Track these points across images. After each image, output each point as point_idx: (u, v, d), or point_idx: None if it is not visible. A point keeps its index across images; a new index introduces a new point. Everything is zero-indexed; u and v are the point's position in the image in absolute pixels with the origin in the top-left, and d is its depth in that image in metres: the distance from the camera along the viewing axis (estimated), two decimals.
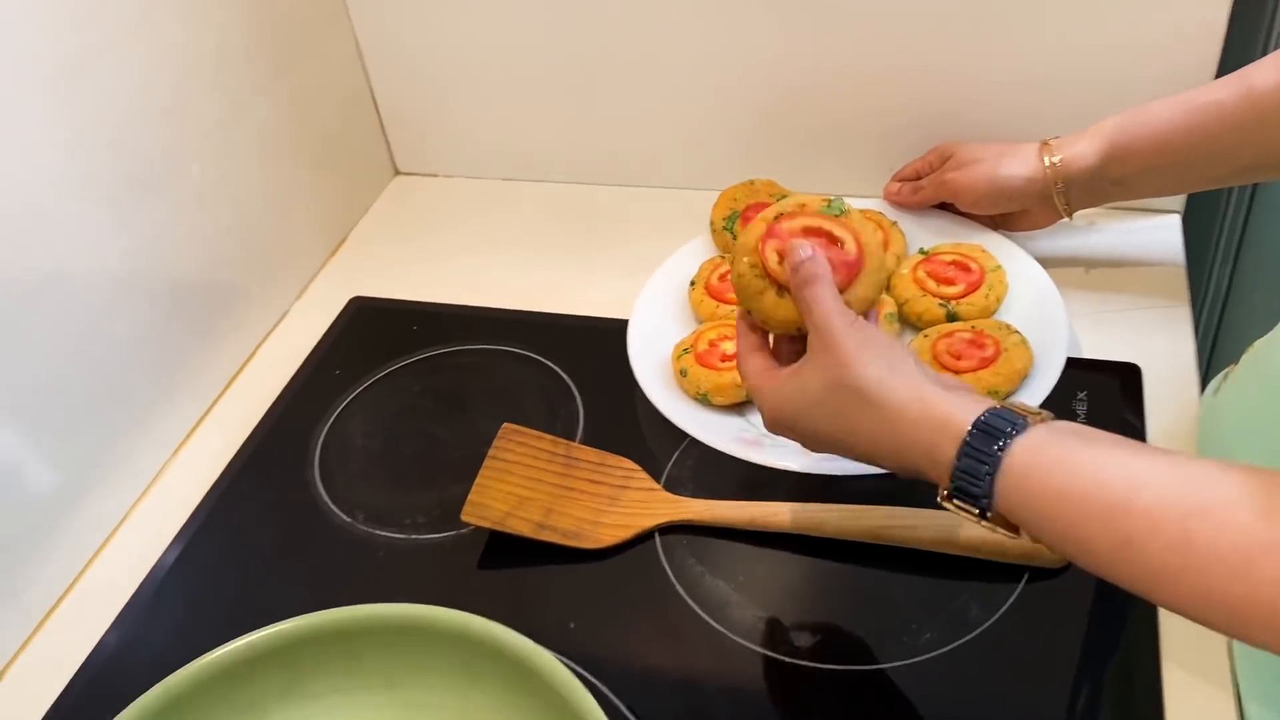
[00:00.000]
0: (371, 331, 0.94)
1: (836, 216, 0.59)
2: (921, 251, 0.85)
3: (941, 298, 0.81)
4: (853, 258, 0.58)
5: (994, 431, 0.49)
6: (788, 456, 0.71)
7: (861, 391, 0.53)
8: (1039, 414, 0.50)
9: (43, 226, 0.70)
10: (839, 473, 0.69)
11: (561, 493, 0.74)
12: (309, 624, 0.60)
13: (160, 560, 0.75)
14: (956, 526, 0.66)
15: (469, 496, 0.73)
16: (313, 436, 0.83)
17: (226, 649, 0.58)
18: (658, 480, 0.75)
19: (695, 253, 0.90)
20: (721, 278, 0.85)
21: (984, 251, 0.84)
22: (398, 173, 1.14)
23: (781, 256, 0.58)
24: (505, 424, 0.77)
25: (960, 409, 0.50)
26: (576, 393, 0.84)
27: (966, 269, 0.82)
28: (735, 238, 0.88)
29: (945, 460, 0.50)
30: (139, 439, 0.81)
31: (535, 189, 1.08)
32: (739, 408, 0.78)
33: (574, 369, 0.86)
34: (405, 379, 0.88)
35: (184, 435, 0.85)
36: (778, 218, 0.59)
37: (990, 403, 0.51)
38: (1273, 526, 0.40)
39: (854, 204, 0.88)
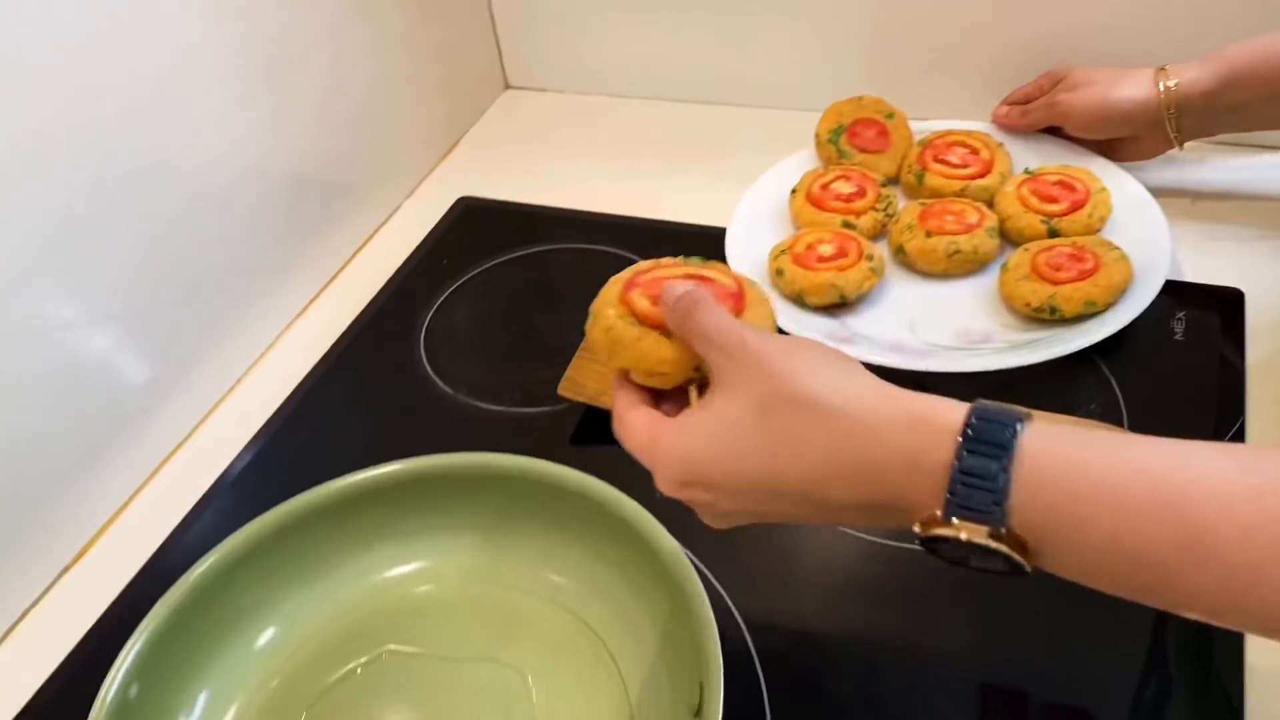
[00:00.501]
0: (477, 229, 0.97)
1: (700, 264, 0.54)
2: (1026, 171, 0.85)
3: (1044, 214, 0.81)
4: (734, 289, 0.51)
5: (1000, 419, 0.38)
6: (882, 352, 0.72)
7: (809, 400, 0.41)
8: (1028, 412, 0.40)
9: (175, 106, 0.74)
10: (937, 369, 0.70)
11: None
12: (416, 466, 0.63)
13: (268, 423, 0.79)
14: None
15: (565, 373, 0.76)
16: (419, 318, 0.87)
17: (341, 482, 0.62)
18: None
19: (797, 165, 0.91)
20: (824, 187, 0.86)
21: (1090, 174, 0.83)
22: (508, 86, 1.17)
23: (653, 300, 0.50)
24: None
25: (943, 404, 0.40)
26: None
27: (1071, 188, 0.82)
28: (840, 153, 0.90)
29: (938, 465, 0.39)
30: (256, 312, 0.85)
31: (642, 106, 1.11)
32: (832, 310, 0.79)
33: None
34: (508, 271, 0.91)
35: (297, 312, 0.90)
36: (635, 275, 0.53)
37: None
38: None
39: (960, 126, 0.90)
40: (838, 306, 0.79)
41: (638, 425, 0.48)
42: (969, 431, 0.38)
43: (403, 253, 0.94)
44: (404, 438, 0.77)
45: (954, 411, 0.40)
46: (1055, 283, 0.74)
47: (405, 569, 0.64)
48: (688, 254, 0.55)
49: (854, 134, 0.90)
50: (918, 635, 0.60)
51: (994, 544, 0.38)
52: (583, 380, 0.75)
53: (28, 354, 0.66)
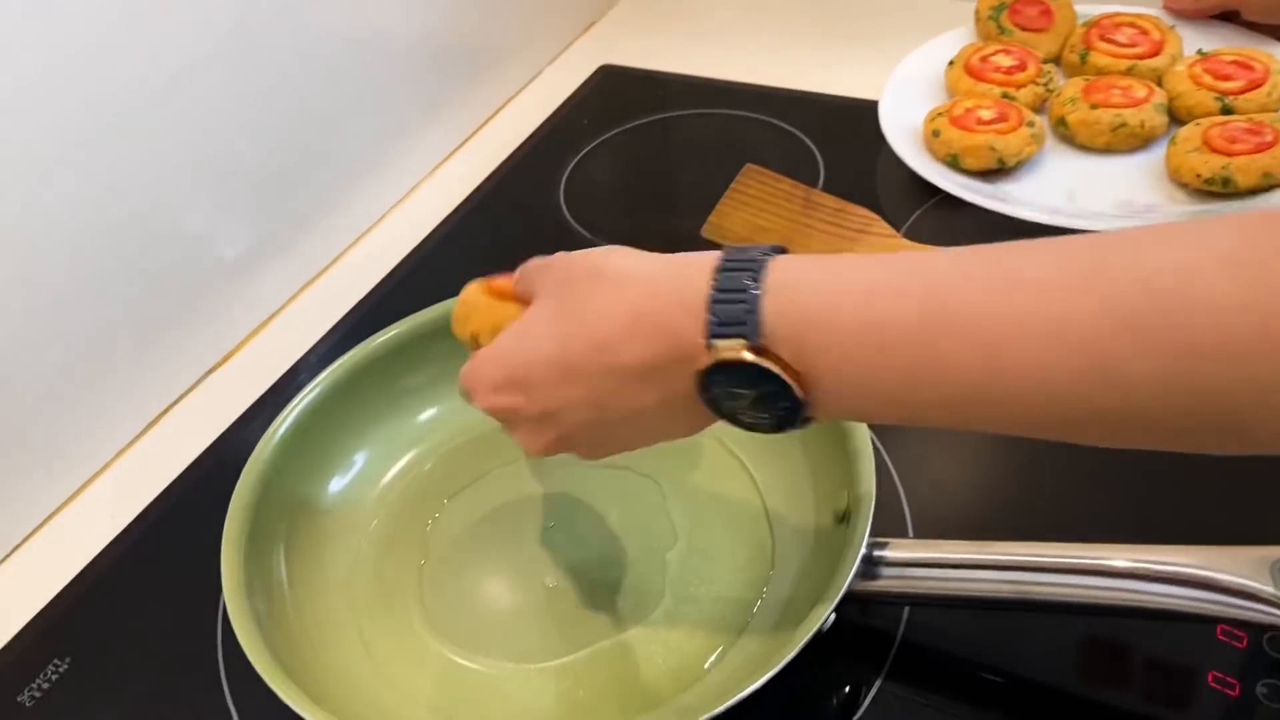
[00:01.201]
0: (620, 93, 0.96)
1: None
2: (1200, 53, 0.81)
3: (1218, 92, 0.77)
4: None
5: (754, 249, 0.39)
6: (1041, 212, 0.70)
7: (591, 271, 0.42)
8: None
9: None
10: (1085, 227, 0.68)
11: (800, 229, 0.75)
12: None
13: (407, 258, 0.80)
14: None
15: (709, 217, 0.75)
16: (560, 169, 0.87)
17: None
18: (897, 231, 0.75)
19: (954, 40, 0.88)
20: (983, 59, 0.83)
21: (1271, 55, 0.79)
22: None
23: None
24: (748, 164, 0.79)
25: (710, 253, 0.40)
26: (819, 156, 0.85)
27: (1249, 67, 0.78)
28: (1001, 29, 0.87)
29: (699, 297, 0.38)
30: (398, 159, 0.86)
31: None
32: (987, 175, 0.77)
33: (816, 137, 0.86)
34: (650, 132, 0.91)
35: (437, 162, 0.90)
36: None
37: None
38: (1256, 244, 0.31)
39: (1128, 11, 0.86)
40: (994, 173, 0.76)
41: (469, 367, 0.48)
42: (725, 260, 0.39)
43: (543, 114, 0.94)
44: None
45: (715, 254, 0.39)
46: (1230, 154, 0.71)
47: None
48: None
49: (1016, 11, 0.87)
50: (1072, 479, 0.59)
51: (754, 358, 0.37)
52: (727, 226, 0.75)
53: (195, 154, 0.68)
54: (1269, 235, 0.31)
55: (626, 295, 0.41)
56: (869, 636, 0.53)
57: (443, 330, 0.61)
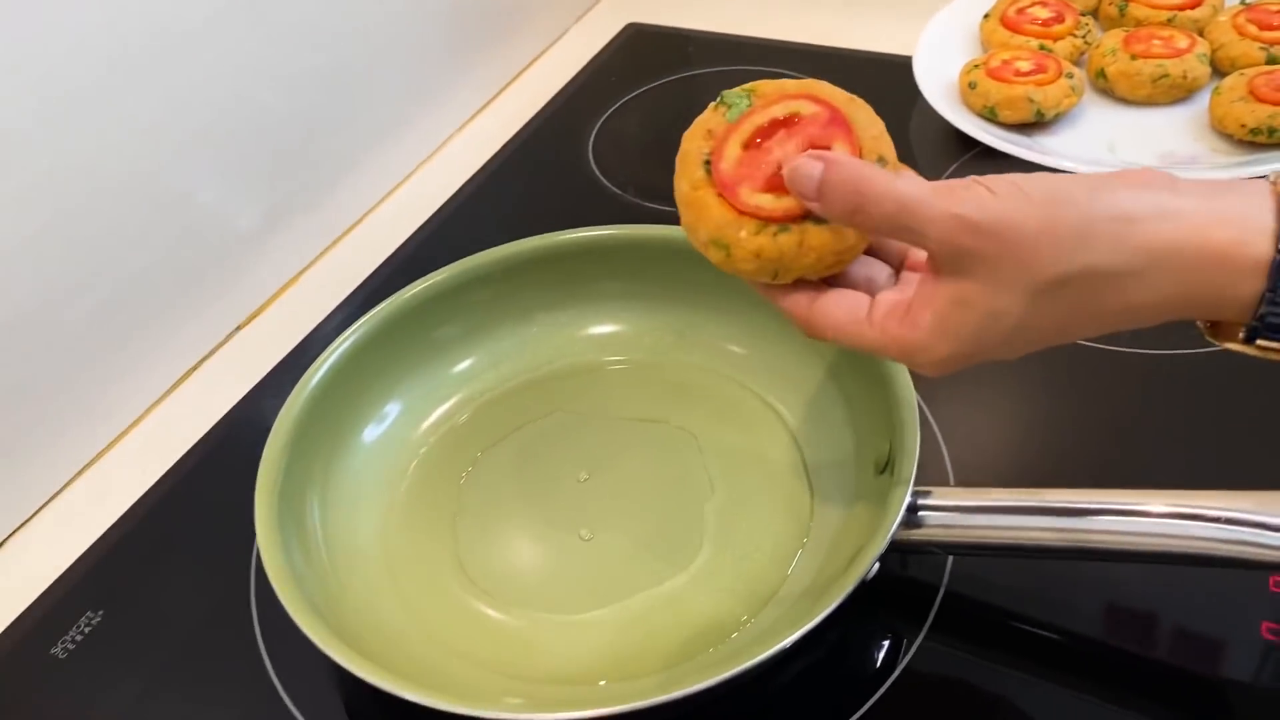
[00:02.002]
0: (646, 52, 0.95)
1: (770, 92, 0.43)
2: (1243, 2, 0.80)
3: (1263, 42, 0.75)
4: (825, 116, 0.41)
5: None
6: (1080, 163, 0.68)
7: (1092, 274, 0.36)
8: None
9: None
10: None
11: None
12: (617, 232, 0.63)
13: (443, 207, 0.79)
14: None
15: None
16: (588, 126, 0.86)
17: (555, 237, 0.62)
18: None
19: None
20: (1020, 11, 0.81)
21: None
22: None
23: (774, 190, 0.40)
24: None
25: (1248, 228, 0.35)
26: None
27: None
28: None
29: (1247, 297, 0.36)
30: (426, 115, 0.85)
31: None
32: (1025, 129, 0.75)
33: (850, 91, 0.85)
34: (678, 89, 0.89)
35: (468, 116, 0.89)
36: (719, 152, 0.42)
37: (1263, 185, 0.36)
38: None
39: None
40: (1032, 126, 0.75)
41: (848, 320, 0.41)
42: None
43: (569, 72, 0.93)
44: None
45: (1261, 241, 0.35)
46: (1277, 103, 0.69)
47: (596, 330, 0.64)
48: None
49: None
50: (1115, 429, 0.58)
51: None
52: None
53: (216, 110, 0.67)
54: None
55: (1148, 291, 0.36)
56: (911, 588, 0.52)
57: (479, 280, 0.61)
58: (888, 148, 0.42)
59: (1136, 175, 0.38)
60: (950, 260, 0.38)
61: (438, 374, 0.61)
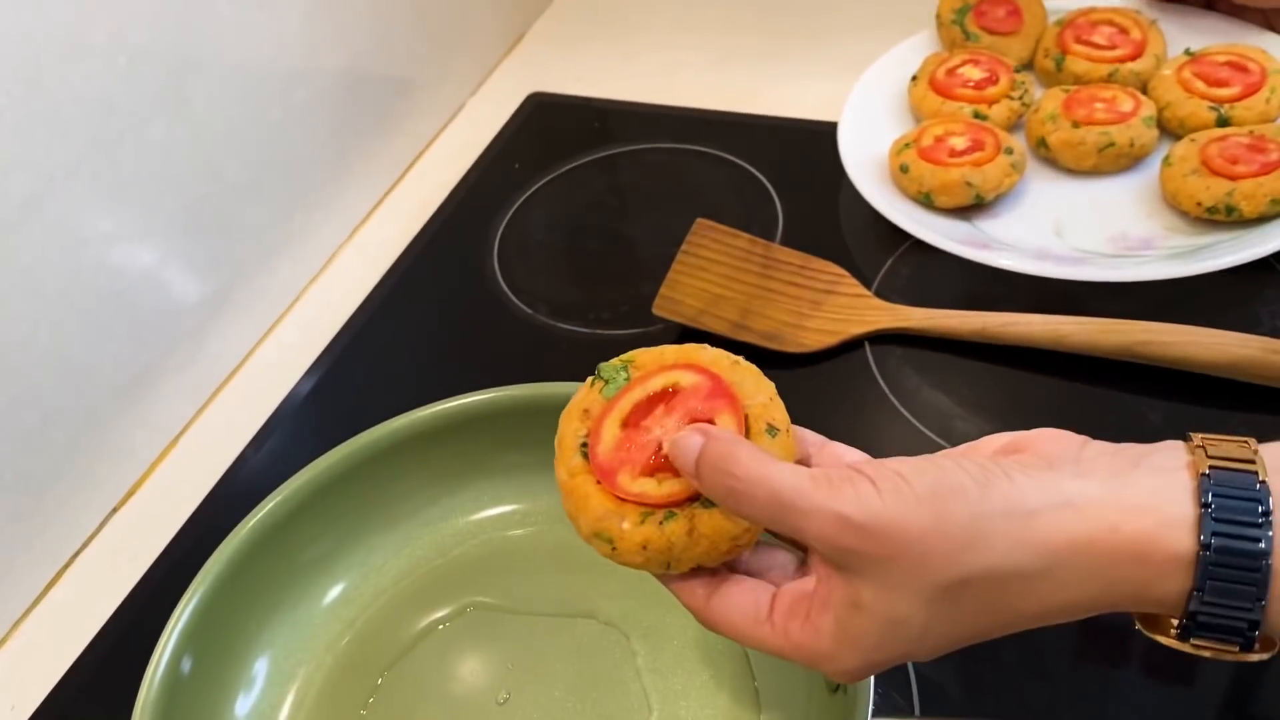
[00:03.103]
0: (551, 127, 0.87)
1: (648, 361, 0.39)
2: (1187, 53, 0.74)
3: (1212, 100, 0.69)
4: (707, 386, 0.38)
5: (1242, 528, 0.31)
6: (1027, 260, 0.62)
7: (997, 576, 0.32)
8: (1246, 447, 0.32)
9: None
10: (1091, 278, 0.61)
11: (760, 293, 0.67)
12: (506, 396, 0.55)
13: (330, 345, 0.71)
14: (1229, 345, 0.57)
15: (660, 290, 0.67)
16: (491, 228, 0.78)
17: (423, 412, 0.54)
18: (867, 288, 0.67)
19: (916, 49, 0.80)
20: (949, 72, 0.75)
21: (1264, 52, 0.72)
22: None
23: (657, 472, 0.37)
24: (699, 219, 0.70)
25: (1166, 520, 0.31)
26: (775, 196, 0.76)
27: (1243, 69, 0.70)
28: (966, 35, 0.78)
29: (1171, 598, 0.32)
30: (313, 222, 0.77)
31: None
32: (964, 212, 0.69)
33: (772, 171, 0.78)
34: (589, 175, 0.82)
35: (358, 221, 0.81)
36: (595, 437, 0.38)
37: (1178, 455, 0.33)
38: None
39: (1104, 3, 0.78)
40: (971, 208, 0.69)
41: (751, 623, 0.36)
42: (1207, 567, 0.31)
43: (470, 155, 0.85)
44: (481, 363, 0.69)
45: (1180, 534, 0.31)
46: (1233, 178, 0.63)
47: (494, 511, 0.56)
48: None
49: (981, 13, 0.79)
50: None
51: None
52: (681, 298, 0.67)
53: (66, 271, 0.59)
54: None
55: (1061, 592, 0.32)
56: None
57: (340, 483, 0.53)
58: (779, 414, 0.37)
59: (1038, 447, 0.34)
60: (837, 559, 0.34)
61: (308, 608, 0.53)
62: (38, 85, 0.55)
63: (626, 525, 0.37)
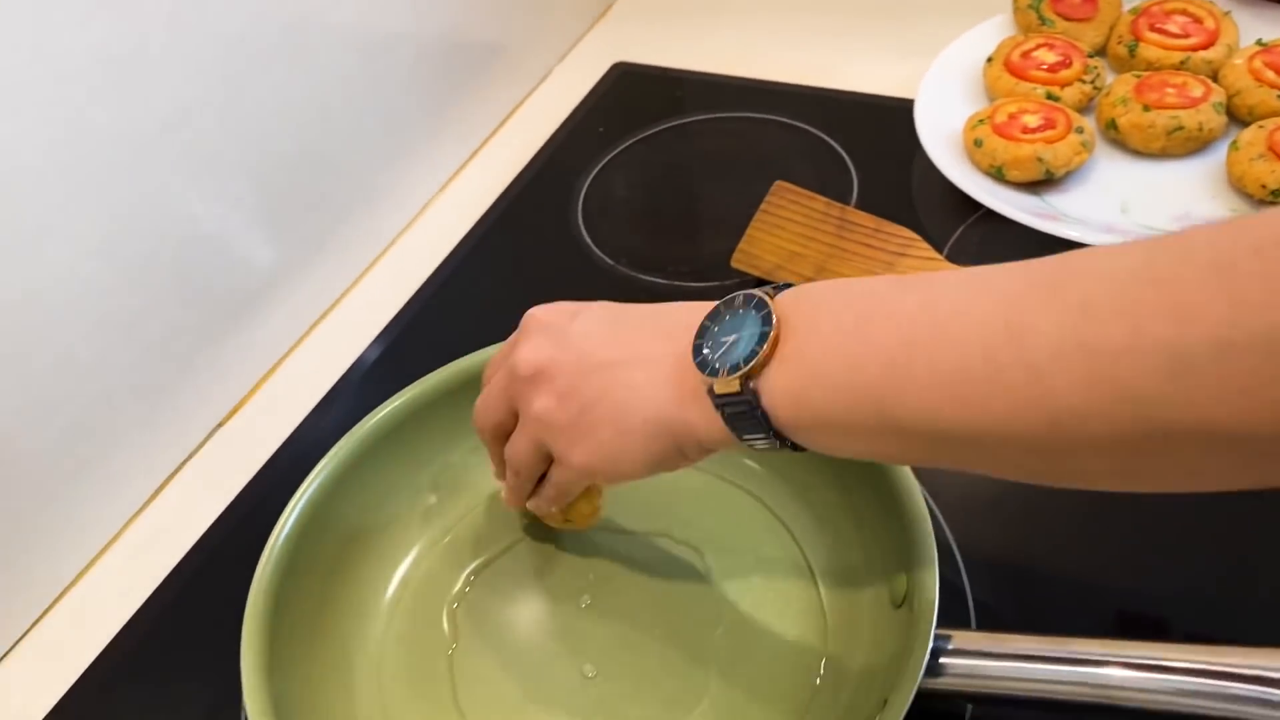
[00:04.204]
0: (634, 95, 0.91)
1: None
2: (1259, 43, 0.76)
3: None
4: None
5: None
6: (1094, 233, 0.65)
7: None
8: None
9: None
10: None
11: (835, 253, 0.70)
12: None
13: (419, 291, 0.76)
14: None
15: (738, 245, 0.70)
16: (576, 185, 0.82)
17: (472, 358, 0.59)
18: (939, 252, 0.70)
19: (991, 32, 0.83)
20: (1024, 55, 0.78)
21: None
22: None
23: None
24: (777, 182, 0.74)
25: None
26: (850, 165, 0.80)
27: None
28: (1041, 20, 0.81)
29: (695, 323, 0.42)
30: (405, 178, 0.81)
31: None
32: (1033, 187, 0.72)
33: (847, 142, 0.81)
34: (669, 140, 0.86)
35: (447, 178, 0.86)
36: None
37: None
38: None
39: None
40: (1042, 183, 0.72)
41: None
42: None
43: (556, 119, 0.89)
44: None
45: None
46: None
47: None
48: None
49: (1057, 0, 0.82)
50: (1158, 567, 0.55)
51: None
52: (759, 253, 0.70)
53: (190, 196, 0.63)
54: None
55: (656, 319, 0.46)
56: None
57: (449, 393, 0.58)
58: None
59: None
60: None
61: (410, 505, 0.58)
62: (179, 20, 0.60)
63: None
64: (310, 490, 0.53)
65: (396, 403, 0.57)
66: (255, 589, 0.49)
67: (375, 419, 0.56)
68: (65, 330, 0.58)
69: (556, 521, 0.54)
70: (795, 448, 0.41)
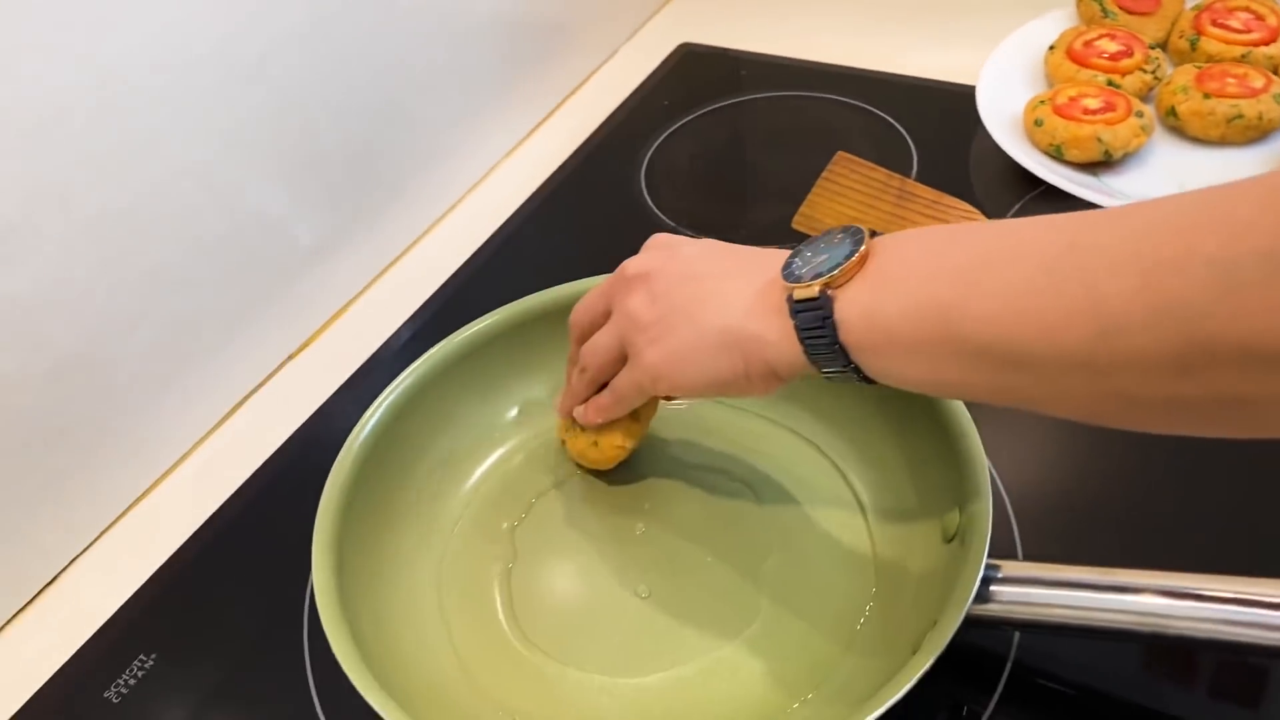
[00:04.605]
0: (699, 73, 0.94)
1: None
2: None
3: None
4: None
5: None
6: None
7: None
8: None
9: None
10: None
11: (895, 222, 0.72)
12: None
13: (488, 241, 0.78)
14: None
15: (799, 209, 0.72)
16: (640, 153, 0.85)
17: (563, 289, 0.61)
18: None
19: (1053, 24, 0.85)
20: (1086, 44, 0.79)
21: None
22: None
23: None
24: (839, 152, 0.76)
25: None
26: (910, 143, 0.81)
27: None
28: (1105, 12, 0.83)
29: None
30: (474, 141, 0.84)
31: None
32: (1091, 167, 0.73)
33: (907, 121, 0.83)
34: (733, 114, 0.88)
35: (519, 139, 0.88)
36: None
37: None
38: None
39: None
40: (1100, 164, 0.73)
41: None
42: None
43: (622, 93, 0.92)
44: None
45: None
46: None
47: None
48: None
49: None
50: (1206, 505, 0.56)
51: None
52: (820, 216, 0.72)
53: (280, 129, 0.66)
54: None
55: (749, 263, 0.47)
56: (978, 657, 0.50)
57: (534, 320, 0.60)
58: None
59: None
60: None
61: (491, 419, 0.60)
62: None
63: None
64: (392, 396, 0.56)
65: (486, 322, 0.59)
66: (331, 482, 0.51)
67: (463, 335, 0.59)
68: (159, 246, 0.60)
69: (581, 448, 0.56)
70: (861, 377, 0.43)
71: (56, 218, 0.55)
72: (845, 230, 0.43)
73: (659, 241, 0.51)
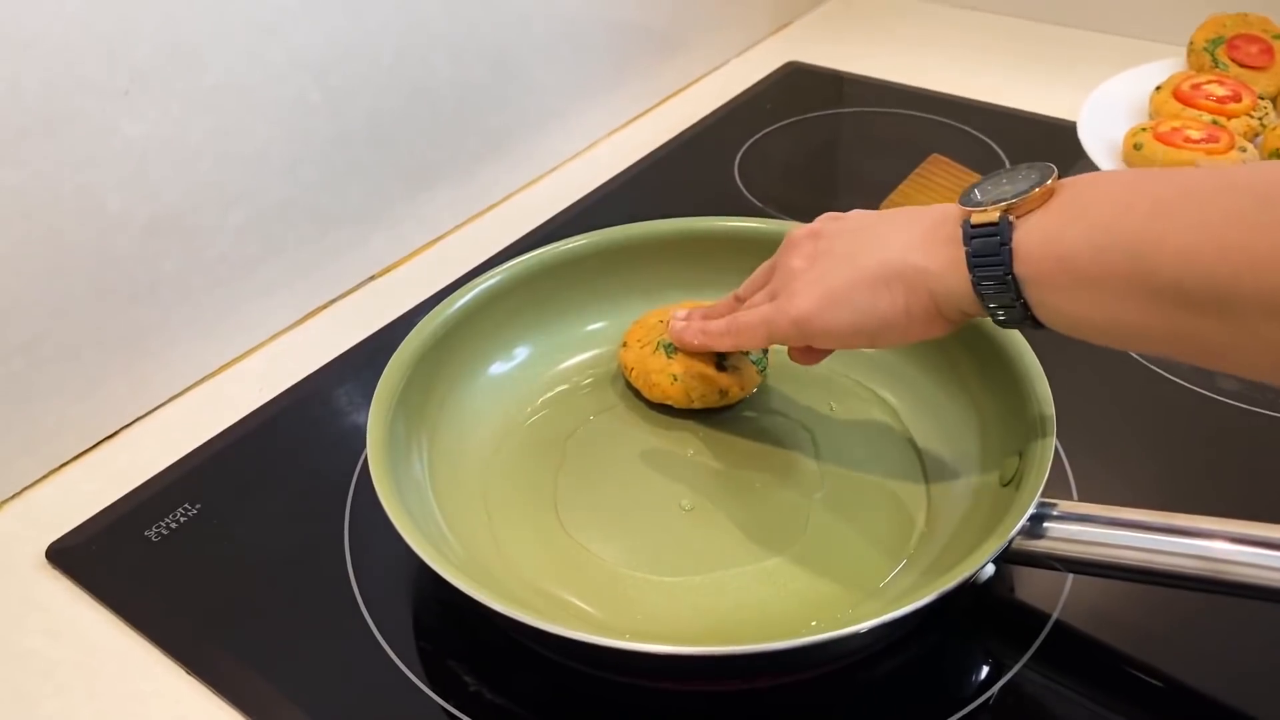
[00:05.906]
0: (804, 87, 0.96)
1: None
2: None
3: None
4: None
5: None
6: None
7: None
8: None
9: None
10: None
11: None
12: (731, 225, 0.65)
13: (579, 200, 0.80)
14: None
15: (889, 195, 0.73)
16: (737, 144, 0.86)
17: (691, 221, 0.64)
18: None
19: (1164, 67, 0.85)
20: (1194, 86, 0.80)
21: None
22: None
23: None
24: (933, 154, 0.77)
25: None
26: (1007, 162, 0.82)
27: None
28: (1216, 63, 0.83)
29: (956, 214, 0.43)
30: (586, 105, 0.87)
31: (986, 19, 1.06)
32: None
33: (1006, 145, 0.84)
34: (832, 122, 0.90)
35: (620, 123, 0.91)
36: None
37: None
38: None
39: None
40: None
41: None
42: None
43: (725, 96, 0.94)
44: None
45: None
46: None
47: None
48: None
49: (1234, 47, 0.84)
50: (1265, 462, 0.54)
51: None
52: (906, 205, 0.72)
53: (408, 79, 0.69)
54: None
55: (908, 220, 0.46)
56: (1020, 613, 0.49)
57: (631, 248, 0.63)
58: None
59: None
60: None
61: (571, 328, 0.62)
62: None
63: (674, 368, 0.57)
64: (488, 282, 0.59)
65: (585, 240, 0.62)
66: (407, 341, 0.54)
67: (564, 246, 0.61)
68: (269, 129, 0.63)
69: (654, 369, 0.57)
70: (1028, 316, 0.41)
71: (185, 77, 0.58)
72: (1032, 164, 0.42)
73: (828, 215, 0.51)
